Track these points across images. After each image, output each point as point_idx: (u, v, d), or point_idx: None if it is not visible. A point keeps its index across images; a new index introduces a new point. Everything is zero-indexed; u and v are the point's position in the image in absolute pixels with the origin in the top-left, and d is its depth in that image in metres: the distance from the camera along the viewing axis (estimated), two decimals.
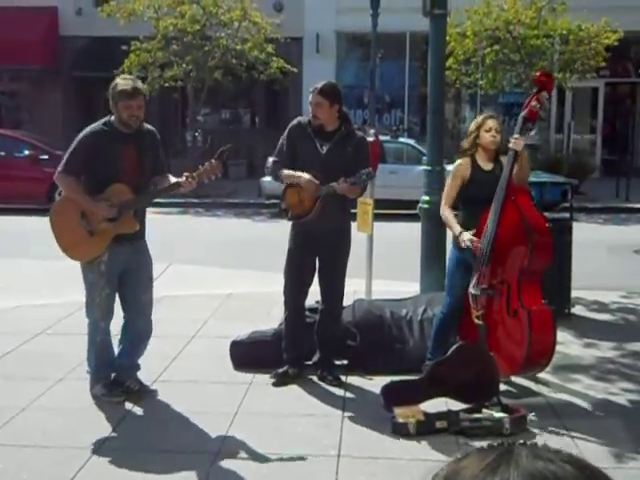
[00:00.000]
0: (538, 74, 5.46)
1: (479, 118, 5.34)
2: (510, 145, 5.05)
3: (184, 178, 4.95)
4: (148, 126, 5.14)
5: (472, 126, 5.32)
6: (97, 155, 4.87)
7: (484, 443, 0.86)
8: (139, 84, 5.01)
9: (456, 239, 5.24)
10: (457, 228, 5.16)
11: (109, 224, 4.90)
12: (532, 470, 0.76)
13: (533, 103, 5.12)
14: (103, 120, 5.03)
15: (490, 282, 5.13)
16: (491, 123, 5.22)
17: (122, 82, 4.95)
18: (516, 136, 5.04)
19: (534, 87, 5.32)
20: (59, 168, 4.95)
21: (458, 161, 5.34)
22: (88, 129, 5.01)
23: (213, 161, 5.03)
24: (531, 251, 5.03)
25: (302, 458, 4.22)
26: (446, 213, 5.29)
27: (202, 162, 5.16)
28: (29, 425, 4.68)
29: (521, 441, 0.85)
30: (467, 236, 5.07)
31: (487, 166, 5.24)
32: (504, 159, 5.14)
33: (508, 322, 5.16)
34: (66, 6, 21.61)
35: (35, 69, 21.18)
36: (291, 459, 4.22)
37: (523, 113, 5.15)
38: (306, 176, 5.23)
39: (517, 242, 5.12)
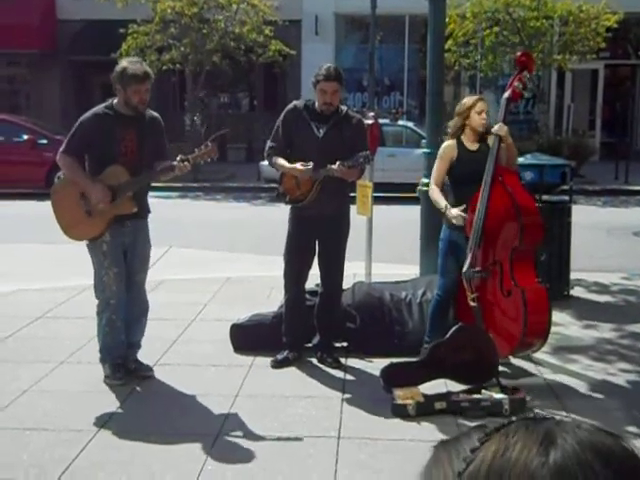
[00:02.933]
0: (519, 54, 5.45)
1: (469, 100, 5.31)
2: (494, 130, 5.07)
3: (178, 161, 4.95)
4: (152, 112, 5.15)
5: (461, 107, 5.28)
6: (98, 137, 4.90)
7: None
8: (147, 67, 5.01)
9: (445, 216, 5.26)
10: (442, 203, 5.16)
11: (106, 205, 4.93)
12: (588, 442, 0.75)
13: (516, 83, 5.11)
14: (105, 103, 5.05)
15: (483, 264, 5.14)
16: (482, 105, 5.21)
17: (131, 66, 4.88)
18: (500, 123, 5.06)
19: (516, 67, 5.31)
20: (60, 148, 5.01)
21: (445, 143, 5.36)
22: (90, 111, 5.05)
23: (209, 144, 5.03)
24: (521, 230, 5.03)
25: (299, 439, 4.25)
26: (434, 191, 5.30)
27: (199, 145, 5.16)
28: (30, 407, 4.69)
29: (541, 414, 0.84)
30: (454, 212, 5.06)
31: (473, 146, 5.26)
32: (490, 140, 5.17)
33: (503, 302, 5.17)
34: None
35: (33, 53, 21.10)
36: (288, 439, 4.25)
37: (506, 94, 5.15)
38: (298, 167, 5.21)
39: (507, 222, 5.11)
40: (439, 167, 5.32)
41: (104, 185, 4.88)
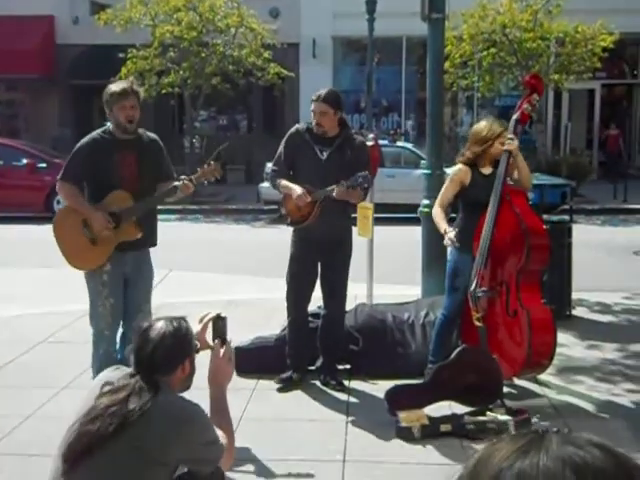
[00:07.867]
0: (528, 77, 5.47)
1: (497, 128, 5.17)
2: (504, 147, 5.05)
3: (181, 181, 4.93)
4: (150, 134, 5.11)
5: (488, 134, 5.15)
6: (96, 163, 4.84)
7: None
8: (133, 85, 4.93)
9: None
10: (443, 225, 5.14)
11: (111, 232, 4.88)
12: (561, 455, 0.77)
13: (525, 105, 5.12)
14: (102, 128, 5.01)
15: (490, 284, 5.13)
16: (507, 136, 5.16)
17: (114, 86, 4.90)
18: (510, 136, 5.04)
19: (525, 90, 5.33)
20: (58, 176, 4.94)
21: (457, 166, 5.32)
22: (87, 137, 4.98)
23: (212, 162, 5.01)
24: (527, 252, 5.03)
25: (303, 462, 4.22)
26: (436, 211, 5.27)
27: (200, 167, 5.14)
28: (33, 433, 4.66)
29: (555, 429, 0.86)
30: (450, 235, 5.03)
31: (487, 170, 5.24)
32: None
33: (508, 323, 5.17)
34: (63, 15, 21.64)
35: (32, 78, 21.19)
36: (293, 462, 4.22)
37: (515, 116, 5.15)
38: (298, 191, 5.22)
39: (514, 243, 5.11)
40: (447, 189, 5.28)
41: (104, 212, 4.83)
